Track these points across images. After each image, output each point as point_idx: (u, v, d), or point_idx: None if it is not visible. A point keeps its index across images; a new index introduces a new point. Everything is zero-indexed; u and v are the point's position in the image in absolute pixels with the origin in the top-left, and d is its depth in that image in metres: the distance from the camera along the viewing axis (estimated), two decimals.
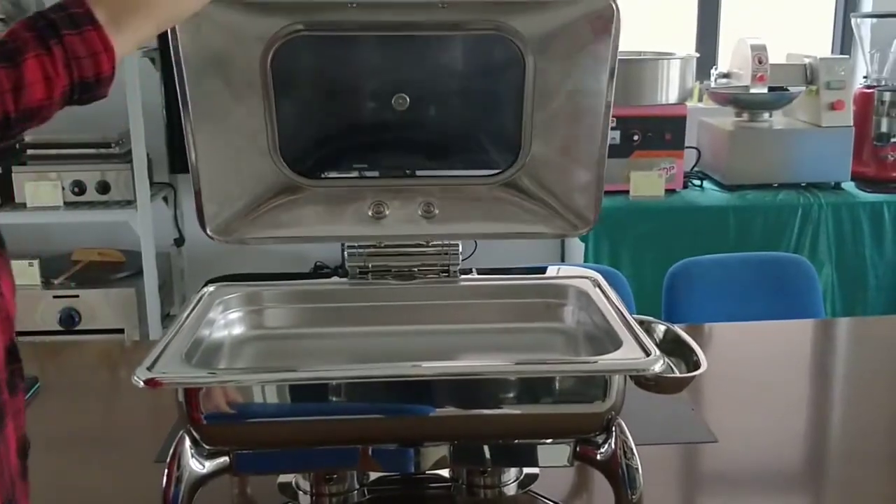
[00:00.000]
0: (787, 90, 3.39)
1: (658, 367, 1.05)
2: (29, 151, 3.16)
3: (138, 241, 3.11)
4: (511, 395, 1.10)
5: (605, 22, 1.23)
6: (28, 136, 3.15)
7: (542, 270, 1.45)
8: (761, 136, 3.36)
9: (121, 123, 3.08)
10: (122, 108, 3.03)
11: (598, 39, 1.25)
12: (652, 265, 3.04)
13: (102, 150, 3.16)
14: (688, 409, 1.50)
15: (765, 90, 3.34)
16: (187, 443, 1.11)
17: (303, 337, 1.38)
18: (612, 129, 3.21)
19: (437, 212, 1.35)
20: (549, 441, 1.13)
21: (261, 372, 1.07)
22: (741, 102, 3.41)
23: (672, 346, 1.22)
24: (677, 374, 1.13)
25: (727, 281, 2.48)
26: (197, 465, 1.11)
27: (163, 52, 3.16)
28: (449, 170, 1.42)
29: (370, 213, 1.34)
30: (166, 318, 3.31)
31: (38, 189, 3.11)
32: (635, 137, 3.24)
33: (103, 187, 3.14)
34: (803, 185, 3.33)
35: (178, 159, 3.24)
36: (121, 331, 3.18)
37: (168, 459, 1.11)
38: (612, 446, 1.11)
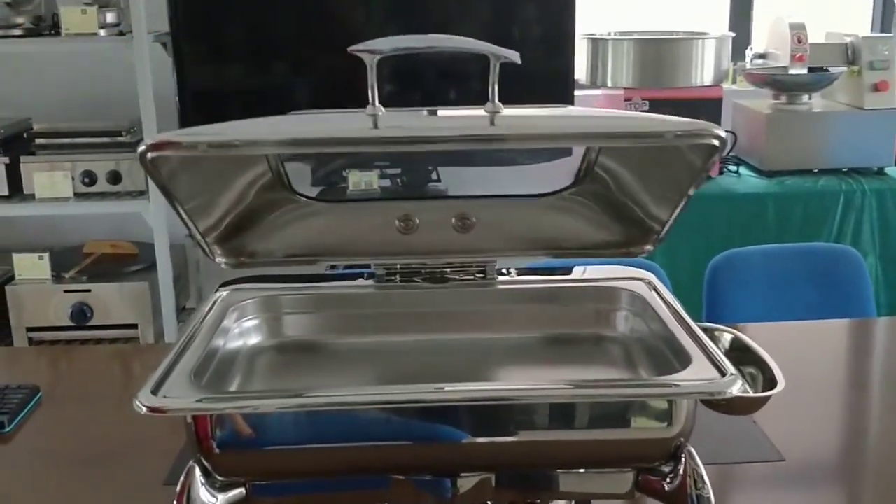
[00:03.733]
0: (828, 71, 3.24)
1: (736, 390, 0.92)
2: (37, 141, 3.05)
3: (151, 232, 3.00)
4: (564, 420, 0.97)
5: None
6: (36, 125, 3.06)
7: (586, 268, 1.31)
8: (800, 119, 3.22)
9: (132, 111, 2.97)
10: (132, 95, 2.92)
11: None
12: (687, 257, 2.90)
13: (113, 139, 3.05)
14: (749, 423, 1.37)
15: (804, 71, 3.19)
16: (198, 473, 0.99)
17: (324, 348, 1.25)
18: (645, 112, 3.08)
19: (474, 221, 1.21)
20: (606, 470, 1.00)
21: (278, 396, 0.94)
22: (779, 84, 3.26)
23: (740, 358, 1.08)
24: (751, 394, 0.99)
25: (773, 274, 2.33)
26: (209, 499, 0.98)
27: (175, 37, 3.04)
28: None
29: (397, 226, 1.20)
30: (182, 312, 3.20)
31: (48, 180, 3.00)
32: None
33: (115, 177, 3.02)
34: (845, 170, 3.19)
35: None
36: (134, 326, 3.08)
37: (177, 492, 0.98)
38: (681, 475, 0.97)
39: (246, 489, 0.99)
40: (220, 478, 0.98)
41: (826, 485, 1.28)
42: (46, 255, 3.07)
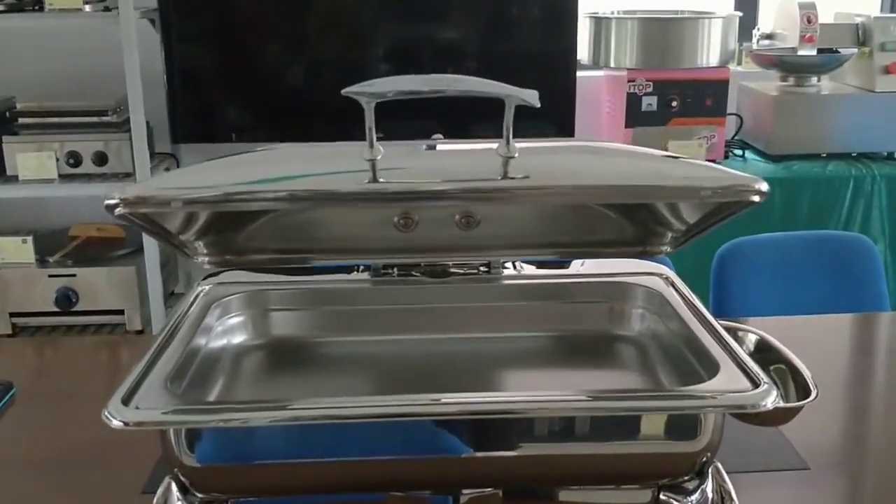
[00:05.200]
0: (838, 52, 3.14)
1: (771, 403, 0.83)
2: (21, 120, 2.95)
3: None
4: (578, 433, 0.88)
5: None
6: (20, 104, 2.96)
7: (598, 262, 1.22)
8: (809, 101, 3.13)
9: (118, 89, 2.86)
10: (119, 74, 2.81)
11: None
12: (691, 245, 2.81)
13: (99, 119, 2.94)
14: (771, 429, 1.28)
15: (813, 52, 3.09)
16: (174, 489, 0.90)
17: (315, 348, 1.15)
18: (649, 93, 2.99)
19: (478, 218, 1.09)
20: (624, 487, 0.91)
21: (262, 409, 0.85)
22: (787, 65, 3.16)
23: (766, 361, 0.99)
24: (783, 404, 0.90)
25: (784, 263, 2.24)
26: None
27: (163, 13, 2.93)
28: None
29: (396, 222, 1.09)
30: (170, 298, 3.11)
31: (31, 160, 2.90)
32: (674, 103, 3.01)
33: (101, 158, 2.92)
34: (854, 155, 3.10)
35: (180, 128, 3.03)
36: (121, 312, 2.99)
37: None
38: (707, 494, 0.89)
39: None
40: (198, 494, 0.90)
41: (852, 495, 1.19)
42: (30, 239, 2.98)
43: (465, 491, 0.91)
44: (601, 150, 1.00)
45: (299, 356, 1.15)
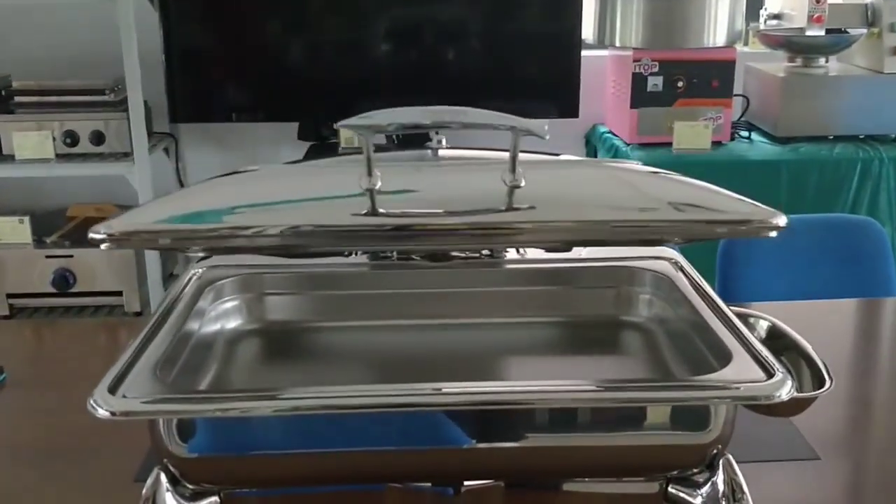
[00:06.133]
0: (846, 32, 3.09)
1: (786, 394, 0.79)
2: (17, 99, 2.91)
3: (137, 196, 2.87)
4: (584, 423, 0.85)
5: None
6: (16, 83, 2.92)
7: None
8: (816, 83, 3.08)
9: (115, 68, 2.83)
10: (116, 52, 2.77)
11: None
12: None
13: (96, 98, 2.91)
14: (781, 418, 1.24)
15: (821, 32, 3.05)
16: (164, 480, 0.86)
17: (311, 333, 1.12)
18: (654, 74, 2.94)
19: None
20: (631, 479, 0.88)
21: (255, 398, 0.81)
22: (795, 46, 3.11)
23: (777, 348, 0.95)
24: (798, 395, 0.87)
25: (791, 248, 2.20)
26: None
27: None
28: None
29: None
30: (169, 279, 3.08)
31: (28, 140, 2.87)
32: (679, 84, 2.96)
33: (98, 138, 2.89)
34: (862, 137, 3.05)
35: (179, 107, 2.98)
36: (119, 293, 2.96)
37: (142, 501, 0.86)
38: (718, 486, 0.85)
39: (220, 498, 0.87)
40: (189, 486, 0.86)
41: (862, 486, 1.16)
42: (27, 219, 2.95)
43: (466, 483, 0.87)
44: (610, 176, 0.94)
45: (295, 342, 1.11)
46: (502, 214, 0.85)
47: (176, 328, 0.97)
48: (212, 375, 1.02)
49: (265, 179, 0.94)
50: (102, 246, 0.83)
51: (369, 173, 0.86)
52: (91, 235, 0.83)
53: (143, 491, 0.86)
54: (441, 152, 0.95)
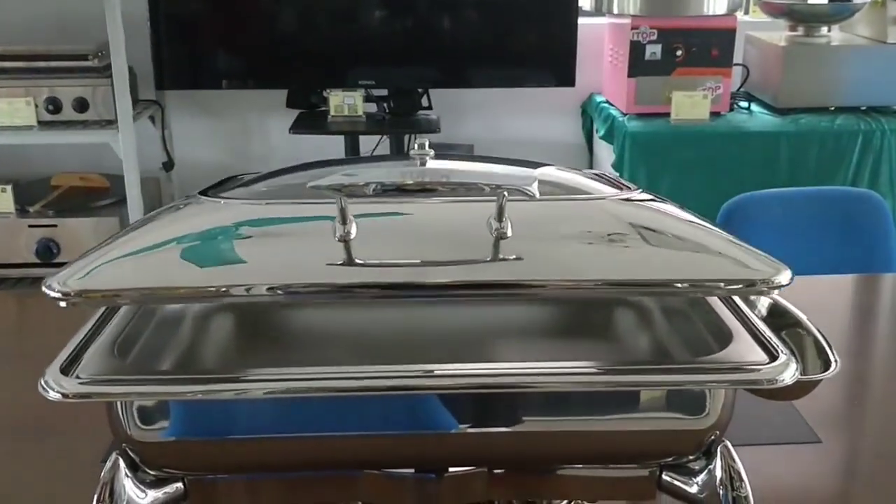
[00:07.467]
0: (850, 1, 3.02)
1: (790, 378, 0.74)
2: None
3: (122, 165, 2.81)
4: (575, 407, 0.79)
5: None
6: None
7: None
8: (818, 52, 3.02)
9: (99, 33, 2.75)
10: (101, 16, 2.69)
11: None
12: (694, 198, 2.70)
13: (79, 64, 2.83)
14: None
15: (824, 1, 2.98)
16: (122, 466, 0.81)
17: (288, 308, 1.05)
18: (653, 42, 2.87)
19: None
20: (623, 467, 0.82)
21: (221, 380, 0.75)
22: (797, 15, 3.04)
23: (778, 326, 0.90)
24: (800, 377, 0.81)
25: (791, 221, 2.15)
26: (137, 495, 0.80)
27: None
28: None
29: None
30: None
31: (8, 107, 2.80)
32: (678, 53, 2.90)
33: (81, 105, 2.82)
34: (863, 108, 3.00)
35: (165, 74, 2.91)
36: None
37: (98, 488, 0.80)
38: (715, 474, 0.80)
39: (184, 484, 0.82)
40: (150, 472, 0.81)
41: (866, 469, 1.11)
42: (10, 188, 2.89)
43: (451, 469, 0.82)
44: (603, 220, 0.87)
45: (269, 318, 1.05)
46: (486, 267, 0.78)
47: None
48: (177, 354, 0.96)
49: (231, 227, 0.86)
50: (62, 304, 0.76)
51: (343, 221, 0.79)
52: (44, 289, 0.76)
53: (101, 475, 0.80)
54: (428, 163, 0.88)
